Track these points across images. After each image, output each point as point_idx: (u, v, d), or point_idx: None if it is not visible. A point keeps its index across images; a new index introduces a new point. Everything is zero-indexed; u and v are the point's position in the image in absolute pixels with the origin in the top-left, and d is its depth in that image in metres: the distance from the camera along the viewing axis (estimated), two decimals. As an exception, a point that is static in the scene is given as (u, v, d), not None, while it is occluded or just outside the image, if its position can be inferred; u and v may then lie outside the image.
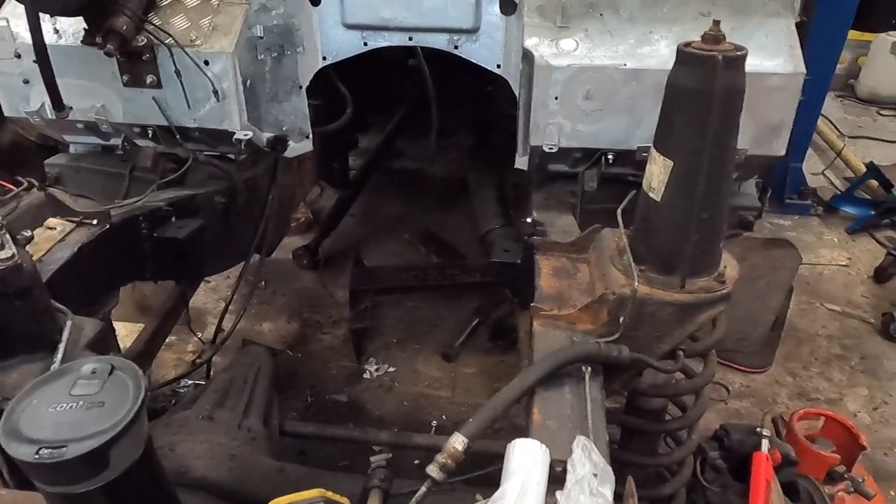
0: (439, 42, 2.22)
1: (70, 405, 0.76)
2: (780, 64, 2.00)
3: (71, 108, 1.95)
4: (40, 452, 0.70)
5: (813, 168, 5.43)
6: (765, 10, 2.06)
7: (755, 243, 2.84)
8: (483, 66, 2.23)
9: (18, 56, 2.10)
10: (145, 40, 2.01)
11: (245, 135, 2.12)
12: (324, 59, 2.28)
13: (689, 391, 1.66)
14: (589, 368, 1.32)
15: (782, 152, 2.13)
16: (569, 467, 1.00)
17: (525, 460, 1.02)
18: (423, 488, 1.16)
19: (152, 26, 2.00)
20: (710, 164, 1.33)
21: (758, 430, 1.82)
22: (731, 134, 1.36)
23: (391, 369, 3.34)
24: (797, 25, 2.07)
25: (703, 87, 1.28)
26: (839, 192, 5.11)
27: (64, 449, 0.70)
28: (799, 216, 4.91)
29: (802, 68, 2.00)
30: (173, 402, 3.00)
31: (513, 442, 1.06)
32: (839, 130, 6.23)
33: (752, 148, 2.07)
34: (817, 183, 5.33)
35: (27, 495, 1.05)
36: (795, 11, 2.08)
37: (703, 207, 1.38)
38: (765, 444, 1.78)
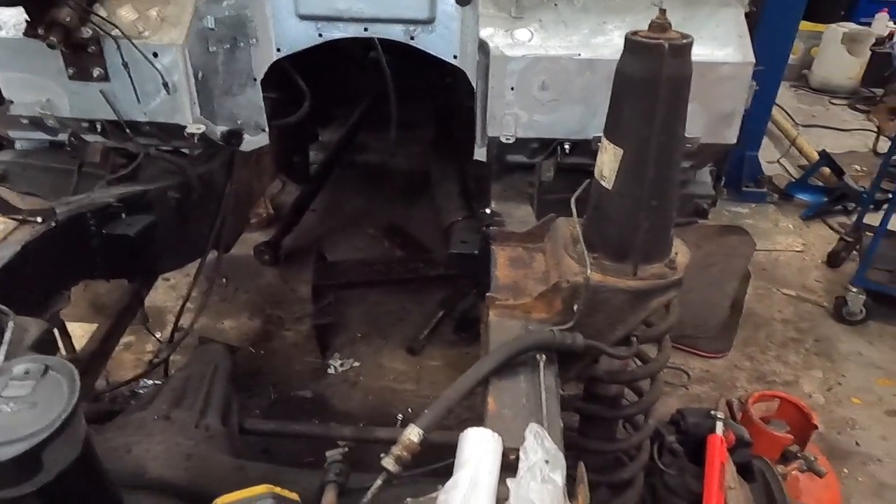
0: (395, 33, 2.21)
1: (0, 407, 0.74)
2: (730, 53, 2.03)
3: (12, 102, 1.89)
4: (-33, 456, 0.67)
5: (769, 156, 5.56)
6: (715, 0, 2.09)
7: (710, 231, 2.90)
8: (440, 57, 2.22)
9: (-43, 49, 2.02)
10: (91, 32, 1.95)
11: (198, 128, 2.08)
12: (278, 50, 2.24)
13: (644, 377, 1.68)
14: (544, 357, 1.33)
15: (734, 140, 2.17)
16: (521, 455, 1.01)
17: (477, 449, 1.02)
18: (379, 481, 1.15)
19: (98, 17, 1.94)
20: (658, 152, 1.35)
21: (712, 413, 1.86)
22: (678, 121, 1.38)
23: (356, 364, 3.33)
24: (747, 15, 2.11)
25: (650, 75, 1.30)
26: (794, 180, 5.25)
27: (-7, 452, 0.68)
28: (756, 204, 5.02)
29: (752, 57, 2.04)
30: (132, 402, 2.95)
31: (465, 431, 1.06)
32: (793, 120, 6.39)
33: (705, 136, 2.10)
34: (773, 171, 5.47)
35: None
36: (745, 2, 2.12)
37: (653, 195, 1.40)
38: (719, 426, 1.82)
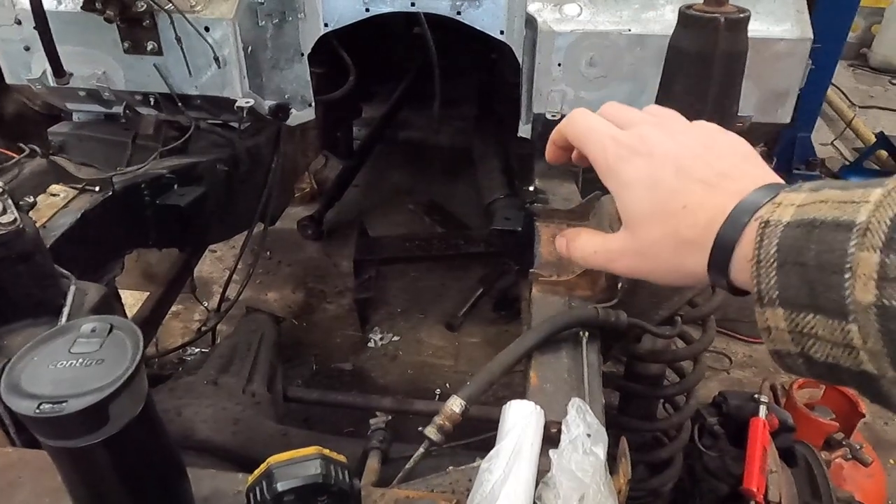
0: (442, 7, 2.19)
1: (70, 362, 0.77)
2: (787, 29, 1.96)
3: (71, 74, 1.95)
4: (41, 407, 0.71)
5: (822, 138, 5.38)
6: (773, -27, 2.02)
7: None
8: (486, 32, 2.20)
9: (19, 23, 2.08)
10: (145, 6, 1.98)
11: (247, 102, 2.11)
12: (325, 25, 2.25)
13: (686, 357, 1.67)
14: (586, 333, 1.33)
15: (787, 120, 2.10)
16: (563, 428, 1.02)
17: (520, 420, 1.03)
18: (421, 449, 1.18)
19: (152, -8, 1.98)
20: (710, 130, 1.32)
21: (756, 396, 1.84)
22: (732, 99, 1.35)
23: (395, 338, 3.38)
24: (806, -10, 2.04)
25: (704, 50, 1.27)
26: (848, 163, 5.07)
27: (64, 404, 0.71)
28: (806, 187, 4.86)
29: (810, 34, 1.97)
30: (180, 368, 3.05)
31: (508, 403, 1.07)
32: (850, 100, 6.15)
33: (757, 115, 2.04)
34: (826, 153, 5.29)
35: (34, 453, 1.07)
36: (804, -25, 2.04)
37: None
38: (762, 410, 1.80)
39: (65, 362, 0.78)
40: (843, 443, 2.19)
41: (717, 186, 0.71)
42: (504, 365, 1.26)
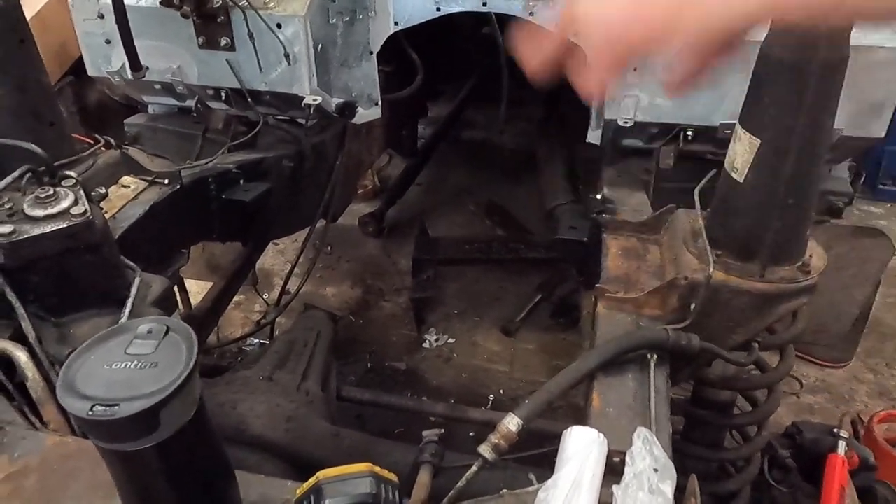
0: (514, 8, 2.14)
1: (125, 364, 0.77)
2: (888, 36, 1.82)
3: (147, 68, 1.99)
4: (94, 409, 0.70)
5: (912, 152, 5.04)
6: (874, -24, 1.88)
7: (843, 231, 2.65)
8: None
9: (101, 17, 2.15)
10: (220, 2, 2.01)
11: (314, 100, 2.12)
12: (395, 24, 2.24)
13: (761, 386, 1.56)
14: (655, 356, 1.26)
15: (882, 134, 1.96)
16: (627, 459, 0.95)
17: (581, 449, 0.97)
18: (475, 468, 1.13)
19: (227, -12, 2.00)
20: (801, 145, 1.22)
21: (835, 430, 1.71)
22: (827, 112, 1.25)
23: (450, 340, 3.34)
24: (910, -6, 1.88)
25: (801, 59, 1.17)
26: (940, 179, 4.73)
27: (116, 407, 0.71)
28: (892, 204, 4.57)
29: (913, 42, 1.82)
30: (239, 359, 3.11)
31: (569, 429, 1.02)
32: (946, 112, 5.74)
33: (848, 128, 1.91)
34: (916, 168, 4.95)
35: (92, 445, 1.08)
36: (909, -22, 1.89)
37: (790, 192, 1.28)
38: (842, 446, 1.68)
39: (120, 363, 0.77)
40: (929, 484, 2.03)
41: None
42: (564, 385, 1.20)
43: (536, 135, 3.85)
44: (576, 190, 3.25)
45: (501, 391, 3.05)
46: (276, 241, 3.73)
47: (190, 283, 2.73)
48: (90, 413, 0.70)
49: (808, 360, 3.22)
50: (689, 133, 2.00)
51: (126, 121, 2.44)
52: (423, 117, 4.06)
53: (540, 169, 3.56)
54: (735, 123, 1.37)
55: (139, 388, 0.73)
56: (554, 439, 1.08)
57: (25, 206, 1.24)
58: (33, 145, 1.33)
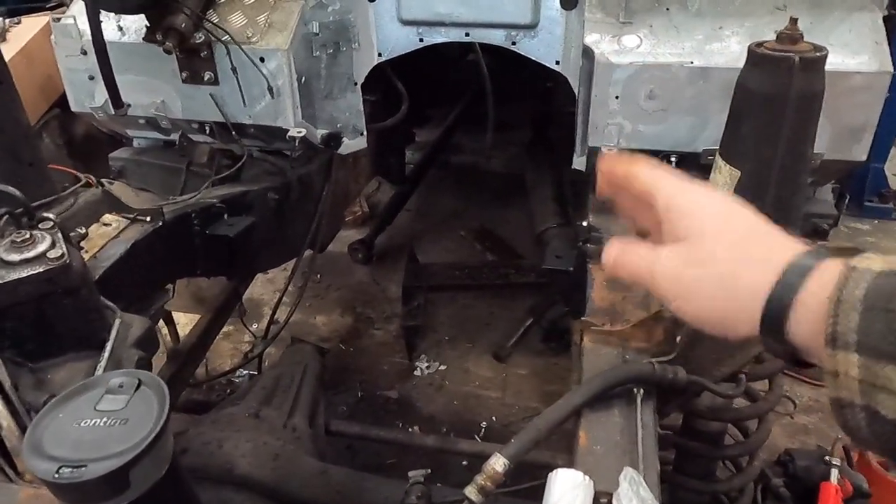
0: (496, 38, 2.16)
1: (94, 421, 0.75)
2: (865, 62, 1.84)
3: (129, 105, 1.99)
4: (60, 471, 0.69)
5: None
6: (848, 2, 1.90)
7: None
8: (541, 62, 2.15)
9: (84, 53, 2.15)
10: (203, 37, 2.02)
11: (299, 132, 2.12)
12: (379, 55, 2.25)
13: (750, 417, 1.55)
14: (641, 390, 1.25)
15: (863, 157, 1.97)
16: (614, 502, 0.94)
17: (567, 492, 0.96)
18: (461, 510, 1.11)
19: (210, 24, 2.01)
20: (781, 175, 1.23)
21: (826, 458, 1.69)
22: (806, 142, 1.25)
23: (442, 367, 3.31)
24: (885, 20, 1.91)
25: (777, 92, 1.18)
26: (926, 196, 4.77)
27: (84, 469, 0.69)
28: (879, 220, 4.60)
29: (889, 67, 1.84)
30: (228, 391, 3.07)
31: (555, 471, 1.00)
32: (929, 128, 5.81)
33: (829, 152, 1.92)
34: (901, 185, 4.99)
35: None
36: (884, 4, 1.91)
37: (773, 220, 1.27)
38: (834, 474, 1.66)
39: (89, 421, 0.75)
40: (924, 508, 2.01)
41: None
42: (551, 422, 1.19)
43: (525, 158, 3.86)
44: (565, 213, 3.25)
45: (494, 418, 3.03)
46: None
47: (178, 316, 2.71)
48: (56, 476, 0.68)
49: (801, 380, 3.20)
50: (673, 159, 2.01)
51: (111, 155, 2.43)
52: (410, 144, 4.07)
53: (529, 193, 3.56)
54: (716, 150, 1.37)
55: (108, 448, 0.71)
56: (544, 471, 1.07)
57: (1, 250, 1.22)
58: (10, 188, 1.32)
